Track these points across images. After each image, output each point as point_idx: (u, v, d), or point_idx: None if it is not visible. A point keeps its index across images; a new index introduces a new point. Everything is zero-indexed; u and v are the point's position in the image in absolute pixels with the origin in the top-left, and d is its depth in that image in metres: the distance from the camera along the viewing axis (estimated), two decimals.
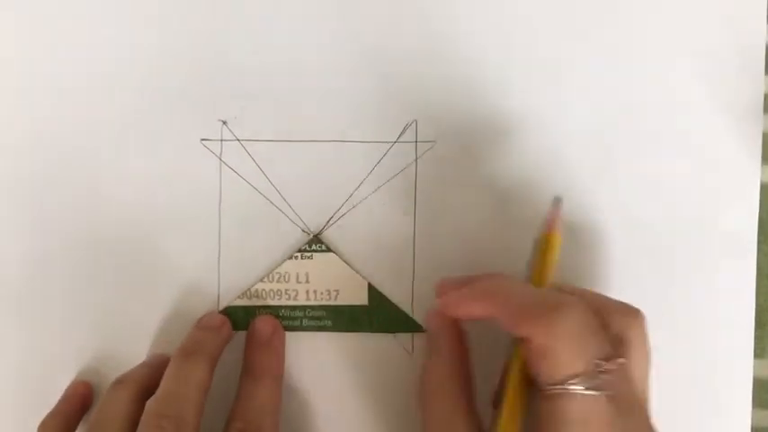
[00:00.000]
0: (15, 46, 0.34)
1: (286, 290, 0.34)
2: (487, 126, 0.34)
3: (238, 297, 0.34)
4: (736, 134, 0.34)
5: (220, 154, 0.34)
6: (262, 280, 0.34)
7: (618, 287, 0.34)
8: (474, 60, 0.34)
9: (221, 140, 0.34)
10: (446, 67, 0.34)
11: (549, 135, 0.34)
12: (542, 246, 0.31)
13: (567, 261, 0.33)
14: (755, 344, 0.34)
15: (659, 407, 0.33)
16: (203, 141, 0.34)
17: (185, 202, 0.34)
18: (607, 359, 0.26)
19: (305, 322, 0.34)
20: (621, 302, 0.29)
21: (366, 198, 0.34)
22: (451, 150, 0.34)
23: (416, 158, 0.34)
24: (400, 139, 0.34)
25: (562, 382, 0.26)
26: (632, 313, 0.29)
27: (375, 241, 0.34)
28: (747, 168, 0.34)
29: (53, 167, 0.34)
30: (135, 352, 0.33)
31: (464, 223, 0.34)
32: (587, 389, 0.25)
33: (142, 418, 0.29)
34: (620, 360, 0.26)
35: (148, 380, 0.31)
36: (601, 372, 0.26)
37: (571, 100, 0.34)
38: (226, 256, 0.34)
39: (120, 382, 0.31)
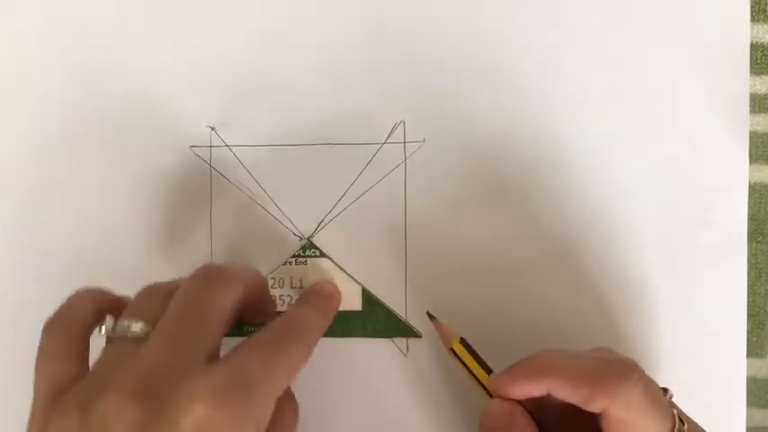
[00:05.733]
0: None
1: (280, 295, 0.34)
2: (476, 124, 0.34)
3: None
4: (724, 134, 0.33)
5: (210, 160, 0.34)
6: None
7: (610, 287, 0.33)
8: (460, 59, 0.34)
9: (210, 147, 0.34)
10: (432, 66, 0.34)
11: (539, 133, 0.34)
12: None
13: (561, 260, 0.33)
14: (755, 344, 0.34)
15: None
16: (192, 148, 0.34)
17: (177, 210, 0.34)
18: (680, 419, 0.26)
19: None
20: (620, 361, 0.27)
21: (357, 200, 0.34)
22: (440, 149, 0.34)
23: (405, 159, 0.34)
24: (389, 140, 0.34)
25: None
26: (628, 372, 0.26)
27: (367, 244, 0.34)
28: (736, 169, 0.33)
29: (41, 181, 0.34)
30: None
31: (455, 222, 0.34)
32: None
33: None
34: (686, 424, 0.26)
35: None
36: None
37: (559, 100, 0.34)
38: (218, 261, 0.34)
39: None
